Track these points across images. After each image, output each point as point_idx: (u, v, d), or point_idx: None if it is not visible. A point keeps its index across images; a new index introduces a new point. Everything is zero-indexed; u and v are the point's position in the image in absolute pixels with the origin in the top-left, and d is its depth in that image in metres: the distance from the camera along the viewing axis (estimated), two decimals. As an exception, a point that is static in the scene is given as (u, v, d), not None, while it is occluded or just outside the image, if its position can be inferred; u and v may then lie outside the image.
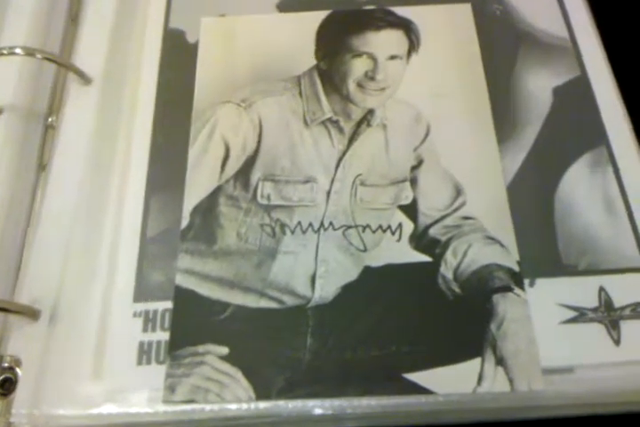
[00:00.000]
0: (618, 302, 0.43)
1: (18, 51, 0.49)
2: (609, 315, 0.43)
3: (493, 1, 0.56)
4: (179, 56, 0.54)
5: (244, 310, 0.44)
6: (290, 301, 0.44)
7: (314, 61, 0.53)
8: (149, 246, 0.46)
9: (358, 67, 0.51)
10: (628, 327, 0.42)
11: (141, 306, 0.44)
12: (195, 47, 0.54)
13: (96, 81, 0.52)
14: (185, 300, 0.44)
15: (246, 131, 0.50)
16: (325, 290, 0.44)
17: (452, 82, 0.52)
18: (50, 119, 0.52)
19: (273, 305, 0.44)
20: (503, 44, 0.53)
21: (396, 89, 0.51)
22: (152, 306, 0.44)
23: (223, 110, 0.51)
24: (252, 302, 0.44)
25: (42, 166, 0.50)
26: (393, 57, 0.52)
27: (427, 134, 0.50)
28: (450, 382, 0.41)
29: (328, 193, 0.47)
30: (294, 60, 0.53)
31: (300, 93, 0.51)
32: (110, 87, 0.52)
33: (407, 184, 0.48)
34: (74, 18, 0.57)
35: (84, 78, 0.51)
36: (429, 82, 0.52)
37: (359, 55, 0.51)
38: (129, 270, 0.45)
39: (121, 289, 0.44)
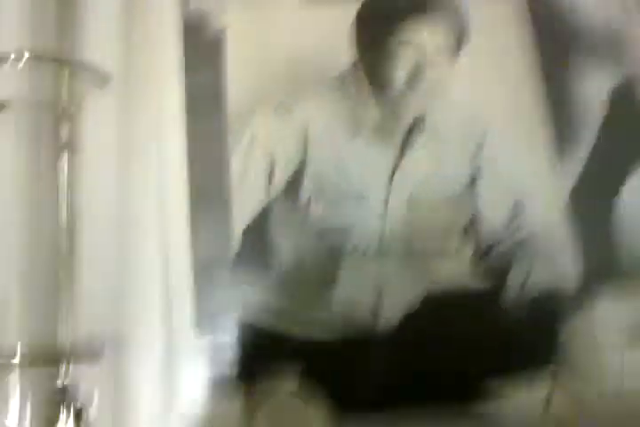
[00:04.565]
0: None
1: (26, 54, 0.44)
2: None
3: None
4: (204, 51, 0.49)
5: (310, 344, 0.43)
6: (353, 332, 0.43)
7: (356, 56, 0.48)
8: (201, 274, 0.44)
9: (405, 65, 0.47)
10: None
11: (204, 341, 0.42)
12: (221, 39, 0.49)
13: (113, 81, 0.46)
14: (247, 334, 0.43)
15: (289, 140, 0.46)
16: (389, 318, 0.43)
17: (506, 81, 0.48)
18: (63, 133, 0.47)
19: (338, 337, 0.43)
20: (558, 41, 0.50)
21: (447, 90, 0.48)
22: (215, 340, 0.42)
23: (261, 116, 0.47)
24: (315, 333, 0.43)
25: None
26: (439, 51, 0.47)
27: (482, 140, 0.47)
28: (519, 405, 0.41)
29: (383, 212, 0.45)
30: (334, 57, 0.48)
31: (344, 96, 0.47)
32: (130, 88, 0.47)
33: (465, 200, 0.46)
34: (78, 12, 0.50)
35: (100, 78, 0.46)
36: (482, 81, 0.48)
37: (404, 45, 0.47)
38: (186, 304, 0.43)
39: (181, 324, 0.43)
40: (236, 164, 0.46)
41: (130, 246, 0.44)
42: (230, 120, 0.47)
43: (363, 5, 0.49)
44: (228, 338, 0.42)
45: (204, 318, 0.43)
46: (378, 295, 0.43)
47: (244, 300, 0.43)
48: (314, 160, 0.46)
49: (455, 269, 0.44)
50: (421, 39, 0.47)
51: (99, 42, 0.48)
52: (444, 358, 0.42)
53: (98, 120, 0.47)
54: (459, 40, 0.48)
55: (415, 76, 0.46)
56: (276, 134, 0.46)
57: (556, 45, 0.49)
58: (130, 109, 0.47)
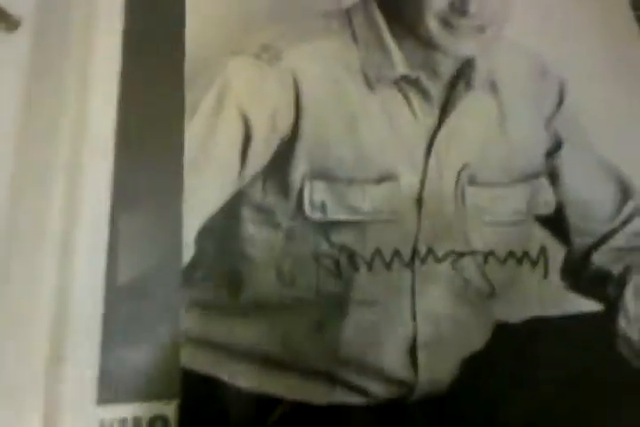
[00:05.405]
0: None
1: None
2: None
3: None
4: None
5: (306, 409, 0.26)
6: (380, 390, 0.27)
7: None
8: (122, 301, 0.27)
9: None
10: None
11: (112, 412, 0.25)
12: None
13: (25, 25, 0.33)
14: (200, 395, 0.26)
15: (276, 98, 0.31)
16: (436, 369, 0.28)
17: (590, 11, 0.34)
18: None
19: (353, 399, 0.26)
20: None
21: (502, 27, 0.33)
22: (132, 411, 0.26)
23: (235, 66, 0.32)
24: (317, 394, 0.27)
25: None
26: None
27: (561, 97, 0.32)
28: None
29: (419, 198, 0.30)
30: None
31: (354, 37, 0.32)
32: (47, 34, 0.34)
33: (543, 180, 0.31)
34: None
35: (8, 21, 0.33)
36: (555, 12, 0.34)
37: None
38: (87, 347, 0.26)
39: (74, 382, 0.26)
40: (193, 133, 0.30)
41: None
42: (189, 72, 0.31)
43: None
44: (158, 408, 0.26)
45: (116, 374, 0.26)
46: (417, 329, 0.27)
47: (196, 339, 0.27)
48: (311, 126, 0.31)
49: (539, 284, 0.28)
50: None
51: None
52: None
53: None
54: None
55: (454, 14, 0.32)
56: (256, 90, 0.31)
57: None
58: (41, 66, 0.33)
